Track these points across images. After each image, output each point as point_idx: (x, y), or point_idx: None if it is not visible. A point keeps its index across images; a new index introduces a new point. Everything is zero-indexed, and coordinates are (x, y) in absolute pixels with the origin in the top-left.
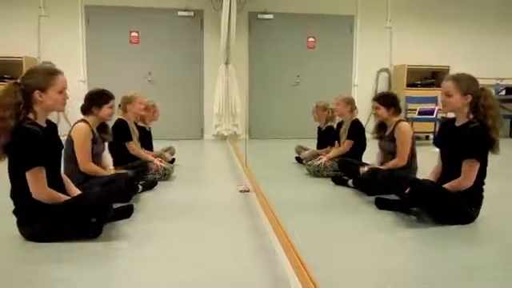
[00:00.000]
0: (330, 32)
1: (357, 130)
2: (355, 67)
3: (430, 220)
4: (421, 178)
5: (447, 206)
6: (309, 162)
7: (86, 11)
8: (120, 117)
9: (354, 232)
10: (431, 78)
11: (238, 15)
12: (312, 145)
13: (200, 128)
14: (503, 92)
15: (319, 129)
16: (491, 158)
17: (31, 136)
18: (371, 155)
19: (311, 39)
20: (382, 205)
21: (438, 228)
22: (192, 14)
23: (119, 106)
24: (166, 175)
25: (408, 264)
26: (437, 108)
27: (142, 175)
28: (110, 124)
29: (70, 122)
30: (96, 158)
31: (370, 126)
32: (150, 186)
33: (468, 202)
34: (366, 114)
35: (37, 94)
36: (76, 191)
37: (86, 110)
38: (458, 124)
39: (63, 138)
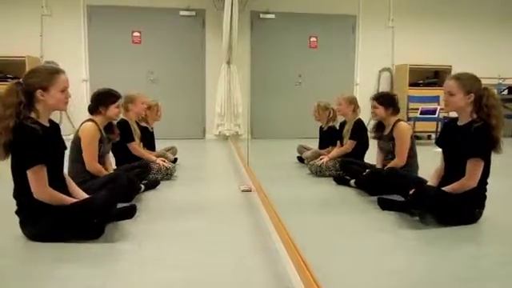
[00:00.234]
0: (332, 31)
1: (359, 130)
2: (357, 67)
3: (433, 221)
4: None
5: (451, 208)
6: (311, 162)
7: (88, 11)
8: (122, 117)
9: (356, 232)
10: (433, 77)
11: (240, 15)
12: (314, 145)
13: (202, 128)
14: (505, 91)
15: (321, 129)
16: (494, 158)
17: (30, 134)
18: (373, 154)
19: (313, 39)
20: (384, 205)
21: (440, 228)
22: (194, 13)
23: (121, 105)
24: (168, 175)
25: (411, 264)
26: (439, 107)
27: (144, 175)
28: None
29: (73, 121)
30: (101, 158)
31: (371, 126)
32: (152, 185)
33: (472, 203)
34: (368, 114)
35: (39, 93)
36: (78, 192)
37: (93, 109)
38: (460, 124)
39: (65, 137)
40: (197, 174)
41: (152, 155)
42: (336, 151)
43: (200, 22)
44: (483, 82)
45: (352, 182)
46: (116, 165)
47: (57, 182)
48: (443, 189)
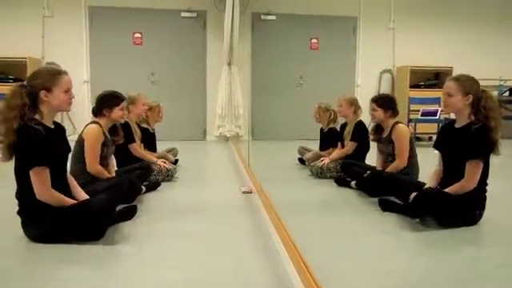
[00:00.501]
0: (332, 33)
1: (360, 131)
2: (358, 68)
3: (434, 222)
4: (422, 178)
5: (452, 210)
6: (312, 164)
7: (89, 12)
8: None
9: (357, 233)
10: (434, 78)
11: (241, 16)
12: (315, 146)
13: (203, 129)
14: (507, 93)
15: (321, 130)
16: (494, 159)
17: (34, 135)
18: (374, 156)
19: (314, 40)
20: (385, 206)
21: (441, 230)
22: (195, 14)
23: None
24: (169, 176)
25: (411, 266)
26: (440, 109)
27: (145, 176)
28: None
29: (74, 122)
30: (104, 160)
31: (371, 128)
32: (153, 186)
33: (472, 205)
34: (368, 115)
35: (43, 94)
36: (81, 194)
37: (97, 112)
38: (458, 126)
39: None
40: (197, 175)
41: (153, 156)
42: (337, 153)
43: (201, 23)
44: (484, 83)
45: (353, 183)
46: (117, 166)
47: (60, 184)
48: (443, 191)
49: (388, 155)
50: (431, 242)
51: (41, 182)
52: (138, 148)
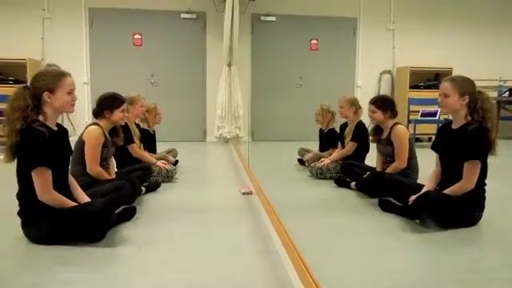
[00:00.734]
0: (332, 34)
1: (361, 132)
2: (358, 69)
3: (434, 223)
4: (422, 178)
5: (452, 211)
6: (312, 164)
7: (89, 13)
8: None
9: (357, 234)
10: (434, 79)
11: (241, 17)
12: (314, 147)
13: (203, 130)
14: (506, 93)
15: (321, 131)
16: (495, 160)
17: (37, 136)
18: (374, 156)
19: (314, 41)
20: (385, 207)
21: (441, 231)
22: (195, 16)
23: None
24: (168, 177)
25: (412, 266)
26: (439, 110)
27: (145, 177)
28: None
29: (73, 123)
30: (104, 161)
31: (371, 129)
32: (153, 187)
33: (471, 206)
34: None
35: (46, 95)
36: (82, 196)
37: (98, 113)
38: (455, 127)
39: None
40: (197, 176)
41: (152, 157)
42: (337, 153)
43: (201, 24)
44: (484, 84)
45: (352, 184)
46: (117, 167)
47: (61, 186)
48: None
49: (387, 156)
50: (431, 243)
51: (42, 183)
52: (136, 149)
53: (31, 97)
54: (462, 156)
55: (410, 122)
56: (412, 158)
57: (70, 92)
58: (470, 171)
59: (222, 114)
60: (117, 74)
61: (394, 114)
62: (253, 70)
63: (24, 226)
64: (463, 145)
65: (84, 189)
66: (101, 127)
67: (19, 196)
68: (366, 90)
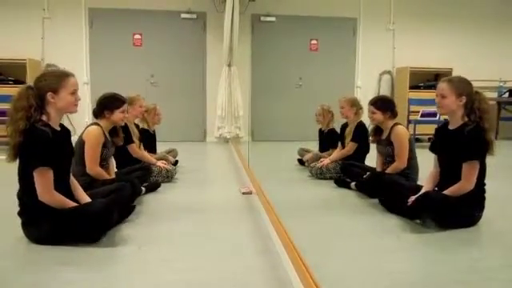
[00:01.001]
0: (332, 34)
1: (361, 132)
2: (358, 69)
3: (434, 223)
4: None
5: (452, 211)
6: (311, 165)
7: (89, 14)
8: None
9: (356, 234)
10: (434, 80)
11: (241, 17)
12: (314, 147)
13: (203, 130)
14: (506, 94)
15: (321, 131)
16: (495, 160)
17: (40, 136)
18: (374, 157)
19: (314, 41)
20: (386, 204)
21: (441, 231)
22: (195, 16)
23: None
24: (168, 177)
25: (412, 267)
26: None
27: (145, 177)
28: None
29: (73, 123)
30: (105, 161)
31: (371, 129)
32: (153, 188)
33: (471, 206)
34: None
35: (49, 95)
36: (83, 196)
37: (98, 113)
38: (452, 127)
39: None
40: (197, 176)
41: (152, 157)
42: (337, 154)
43: (201, 24)
44: (484, 84)
45: (352, 184)
46: (117, 167)
47: (63, 186)
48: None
49: (387, 156)
50: (431, 243)
51: (44, 183)
52: (136, 149)
53: (35, 97)
54: (460, 157)
55: (409, 122)
56: (412, 158)
57: (74, 92)
58: (469, 172)
59: (221, 114)
60: (117, 74)
61: (394, 115)
62: (253, 70)
63: (24, 225)
64: (461, 145)
65: (84, 189)
66: (101, 127)
67: (20, 196)
68: (365, 90)
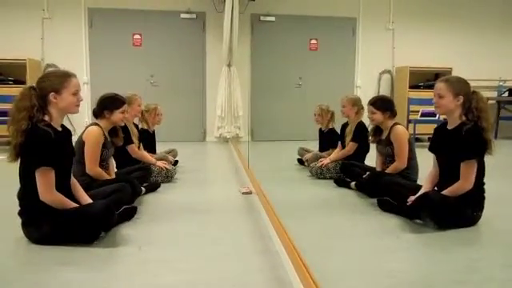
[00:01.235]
0: (332, 34)
1: (361, 132)
2: (358, 69)
3: (433, 224)
4: (422, 178)
5: (452, 211)
6: (311, 164)
7: (89, 14)
8: None
9: (356, 234)
10: (434, 79)
11: (241, 17)
12: (314, 147)
13: (202, 130)
14: (506, 93)
15: (321, 131)
16: (495, 160)
17: (43, 136)
18: (374, 157)
19: (313, 41)
20: (384, 206)
21: (441, 231)
22: (194, 16)
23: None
24: (168, 177)
25: (411, 266)
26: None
27: (144, 178)
28: None
29: (73, 123)
30: (104, 162)
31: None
32: (152, 188)
33: (471, 206)
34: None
35: (52, 96)
36: (84, 197)
37: (98, 114)
38: (450, 127)
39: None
40: (197, 176)
41: (152, 157)
42: (337, 154)
43: (201, 24)
44: (483, 84)
45: (352, 184)
46: (117, 168)
47: (64, 187)
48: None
49: (387, 156)
50: (431, 243)
51: (45, 183)
52: (135, 149)
53: (37, 97)
54: (459, 156)
55: (409, 121)
56: (412, 158)
57: (76, 93)
58: (467, 171)
59: (221, 114)
60: (116, 75)
61: (394, 114)
62: (252, 70)
63: (24, 226)
64: (459, 145)
65: (83, 189)
66: (101, 127)
67: (20, 196)
68: (365, 89)
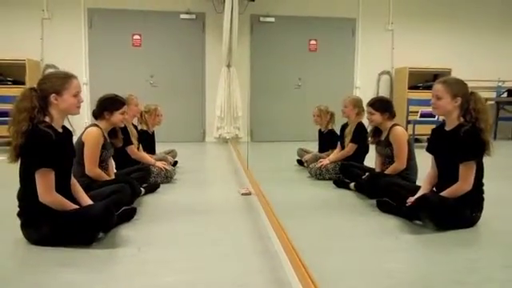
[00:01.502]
0: (331, 35)
1: (360, 133)
2: (357, 70)
3: (433, 225)
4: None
5: (451, 212)
6: (311, 165)
7: (88, 14)
8: None
9: (355, 234)
10: (433, 80)
11: (240, 18)
12: (314, 148)
13: (202, 131)
14: (505, 94)
15: (320, 132)
16: (494, 161)
17: (43, 137)
18: (373, 157)
19: (313, 42)
20: (383, 207)
21: (440, 232)
22: (194, 16)
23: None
24: (168, 178)
25: (410, 267)
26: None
27: (144, 178)
28: None
29: (72, 123)
30: (104, 163)
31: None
32: (152, 188)
33: (470, 207)
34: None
35: (53, 97)
36: (85, 198)
37: (97, 115)
38: (448, 128)
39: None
40: (197, 177)
41: (151, 158)
42: (336, 155)
43: (200, 25)
44: (483, 84)
45: (351, 185)
46: (116, 168)
47: (64, 188)
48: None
49: (386, 157)
50: (430, 244)
51: (45, 184)
52: (135, 150)
53: (38, 98)
54: (457, 158)
55: (409, 122)
56: (411, 159)
57: (76, 94)
58: (466, 172)
59: (221, 114)
60: (116, 75)
61: (392, 115)
62: (252, 70)
63: (24, 227)
64: (457, 146)
65: (83, 189)
66: (100, 129)
67: (20, 197)
68: (364, 90)
